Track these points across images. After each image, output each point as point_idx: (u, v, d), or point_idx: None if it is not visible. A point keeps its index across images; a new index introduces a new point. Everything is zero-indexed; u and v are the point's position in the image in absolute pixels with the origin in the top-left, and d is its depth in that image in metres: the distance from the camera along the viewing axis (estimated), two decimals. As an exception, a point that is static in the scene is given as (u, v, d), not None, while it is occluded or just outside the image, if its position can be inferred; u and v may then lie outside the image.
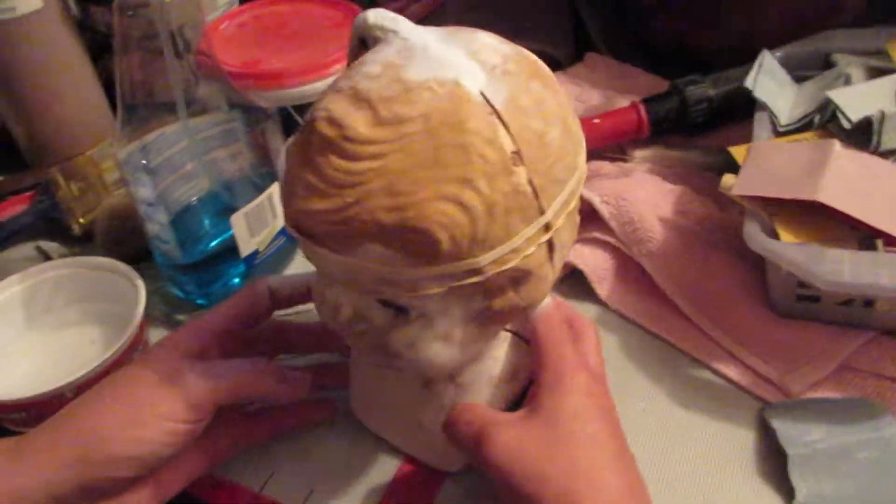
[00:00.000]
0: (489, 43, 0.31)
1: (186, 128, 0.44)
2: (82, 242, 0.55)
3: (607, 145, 0.56)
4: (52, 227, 0.56)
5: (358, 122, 0.28)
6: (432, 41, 0.30)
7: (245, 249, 0.47)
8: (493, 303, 0.31)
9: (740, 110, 0.52)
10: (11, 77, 0.57)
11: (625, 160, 0.56)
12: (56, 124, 0.60)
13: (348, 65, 0.32)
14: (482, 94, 0.29)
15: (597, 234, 0.48)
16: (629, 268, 0.47)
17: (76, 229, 0.55)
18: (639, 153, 0.55)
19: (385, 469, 0.39)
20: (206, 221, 0.48)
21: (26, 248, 0.55)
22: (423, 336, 0.32)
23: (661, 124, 0.55)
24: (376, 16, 0.31)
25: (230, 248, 0.47)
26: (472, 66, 0.30)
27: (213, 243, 0.47)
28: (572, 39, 0.68)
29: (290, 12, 0.57)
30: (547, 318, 0.34)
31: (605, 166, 0.55)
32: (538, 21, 0.66)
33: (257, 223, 0.47)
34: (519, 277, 0.31)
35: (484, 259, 0.29)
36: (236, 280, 0.48)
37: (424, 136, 0.28)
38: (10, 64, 0.56)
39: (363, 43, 0.32)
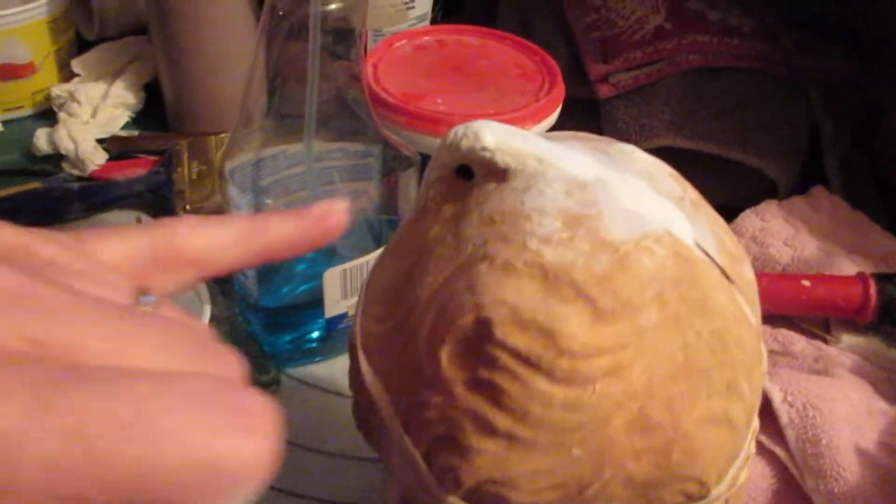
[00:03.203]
0: (645, 158, 0.22)
1: (311, 151, 0.37)
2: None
3: (810, 315, 0.43)
4: (160, 203, 0.51)
5: (571, 323, 0.18)
6: (595, 166, 0.20)
7: (332, 310, 0.39)
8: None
9: None
10: (176, 29, 0.53)
11: (825, 340, 0.43)
12: (207, 94, 0.56)
13: (426, 208, 0.22)
14: (698, 245, 0.20)
15: (763, 438, 0.36)
16: (794, 500, 0.35)
17: (180, 214, 0.49)
18: (848, 338, 0.43)
19: None
20: (301, 264, 0.40)
21: (126, 216, 0.51)
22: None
23: (893, 314, 0.42)
24: (497, 137, 0.20)
25: (316, 301, 0.39)
26: (664, 202, 0.20)
27: (300, 289, 0.40)
28: (798, 162, 0.55)
29: (478, 47, 0.49)
30: None
31: (797, 341, 0.43)
32: (764, 130, 0.54)
33: (355, 283, 0.39)
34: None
35: (721, 487, 0.21)
36: (313, 337, 0.41)
37: (667, 328, 0.19)
38: (179, 14, 0.52)
39: (464, 173, 0.22)
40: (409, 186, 0.41)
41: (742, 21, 0.54)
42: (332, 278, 0.38)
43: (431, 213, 0.22)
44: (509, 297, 0.19)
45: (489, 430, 0.19)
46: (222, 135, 0.52)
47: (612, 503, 0.19)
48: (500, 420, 0.18)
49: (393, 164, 0.40)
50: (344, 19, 0.36)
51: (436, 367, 0.19)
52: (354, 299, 0.40)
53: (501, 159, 0.20)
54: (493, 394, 0.19)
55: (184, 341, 0.15)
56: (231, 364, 0.17)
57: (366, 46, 0.55)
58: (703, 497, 0.20)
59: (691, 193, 0.21)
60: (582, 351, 0.18)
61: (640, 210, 0.19)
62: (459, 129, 0.21)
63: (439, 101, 0.43)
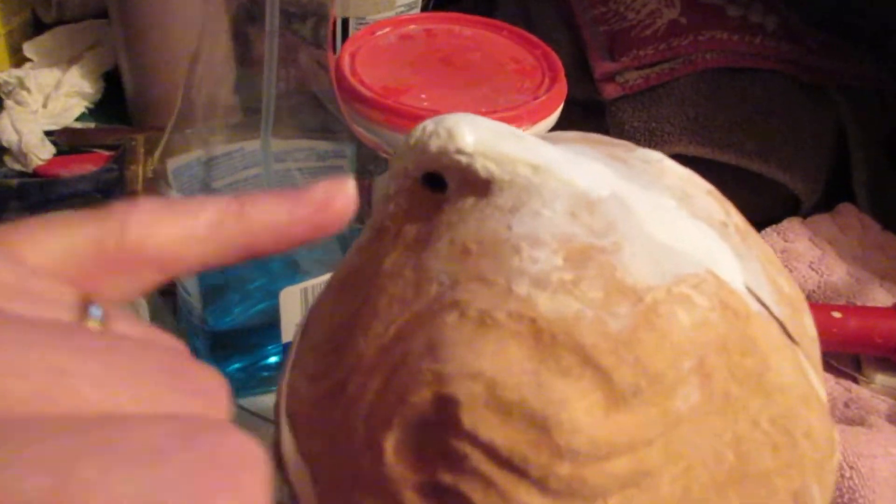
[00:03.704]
0: (676, 169, 0.17)
1: (268, 149, 0.32)
2: (133, 235, 0.44)
3: (839, 351, 0.38)
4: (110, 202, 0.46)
5: (575, 409, 0.13)
6: (612, 178, 0.15)
7: (290, 334, 0.34)
8: None
9: None
10: (139, 14, 0.47)
11: (856, 379, 0.38)
12: (172, 86, 0.50)
13: (383, 228, 0.17)
14: (750, 291, 0.14)
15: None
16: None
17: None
18: (883, 378, 0.37)
19: None
20: (256, 280, 0.35)
21: (74, 219, 0.46)
22: None
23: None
24: (478, 136, 0.15)
25: (273, 323, 0.34)
26: (703, 230, 0.15)
27: (254, 309, 0.35)
28: (824, 178, 0.50)
29: (471, 38, 0.43)
30: None
31: (825, 382, 0.37)
32: (788, 139, 0.49)
33: (318, 304, 0.34)
34: None
35: None
36: (269, 364, 0.35)
37: (711, 415, 0.13)
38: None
39: (433, 183, 0.16)
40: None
41: (765, 19, 0.49)
42: (291, 297, 0.32)
43: (390, 235, 0.17)
44: (486, 366, 0.13)
45: None
46: (195, 140, 0.47)
47: None
48: None
49: (367, 166, 0.35)
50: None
51: (377, 461, 0.14)
52: (319, 321, 0.35)
53: (483, 166, 0.15)
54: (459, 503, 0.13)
55: (143, 370, 0.12)
56: (210, 394, 0.12)
57: (336, 33, 0.49)
58: None
59: (736, 218, 0.16)
60: (590, 451, 0.13)
61: (673, 241, 0.14)
62: (428, 125, 0.16)
63: (423, 96, 0.38)
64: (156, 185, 0.31)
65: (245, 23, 0.31)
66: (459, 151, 0.15)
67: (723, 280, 0.14)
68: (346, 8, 0.49)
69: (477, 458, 0.13)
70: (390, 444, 0.14)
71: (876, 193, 0.49)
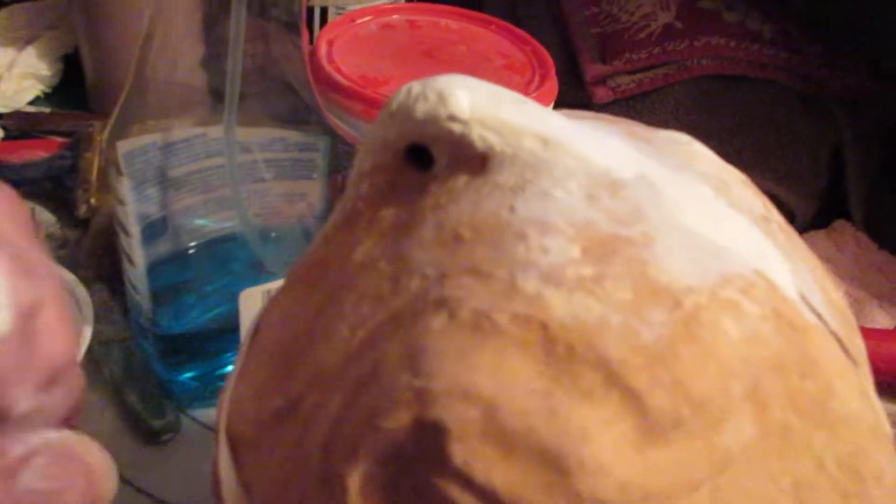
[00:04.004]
0: (708, 154, 0.15)
1: (233, 136, 0.29)
2: (85, 228, 0.41)
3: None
4: (60, 194, 0.42)
5: (600, 444, 0.10)
6: (637, 157, 0.13)
7: (250, 340, 0.31)
8: None
9: None
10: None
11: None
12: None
13: (355, 211, 0.14)
14: (804, 299, 0.12)
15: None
16: None
17: (82, 210, 0.41)
18: (884, 407, 0.35)
19: None
20: (214, 282, 0.32)
21: (20, 210, 0.42)
22: None
23: (944, 383, 0.34)
24: (476, 100, 0.12)
25: (231, 328, 0.30)
26: (746, 224, 0.12)
27: (211, 313, 0.31)
28: (820, 192, 0.48)
29: (457, 31, 0.41)
30: None
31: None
32: (784, 151, 0.47)
33: (283, 308, 0.31)
34: None
35: None
36: (225, 373, 0.32)
37: (768, 454, 0.11)
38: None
39: (418, 159, 0.14)
40: (361, 190, 0.33)
41: (762, 26, 0.47)
42: (252, 300, 0.29)
43: (363, 220, 0.14)
44: (482, 383, 0.10)
45: None
46: (150, 122, 0.44)
47: None
48: None
49: (341, 161, 0.32)
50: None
51: (337, 502, 0.11)
52: (283, 328, 0.32)
53: (480, 137, 0.12)
54: None
55: None
56: None
57: (313, 20, 0.47)
58: None
59: (776, 214, 0.14)
60: (618, 499, 0.09)
61: (714, 235, 0.11)
62: (414, 86, 0.13)
63: (405, 87, 0.35)
64: (103, 172, 0.28)
65: (211, -5, 0.28)
66: (452, 118, 0.12)
67: (774, 284, 0.11)
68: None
69: (475, 465, 0.10)
70: (354, 481, 0.11)
71: (872, 211, 0.47)
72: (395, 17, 0.41)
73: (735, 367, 0.11)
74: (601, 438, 0.10)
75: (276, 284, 0.30)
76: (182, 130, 0.30)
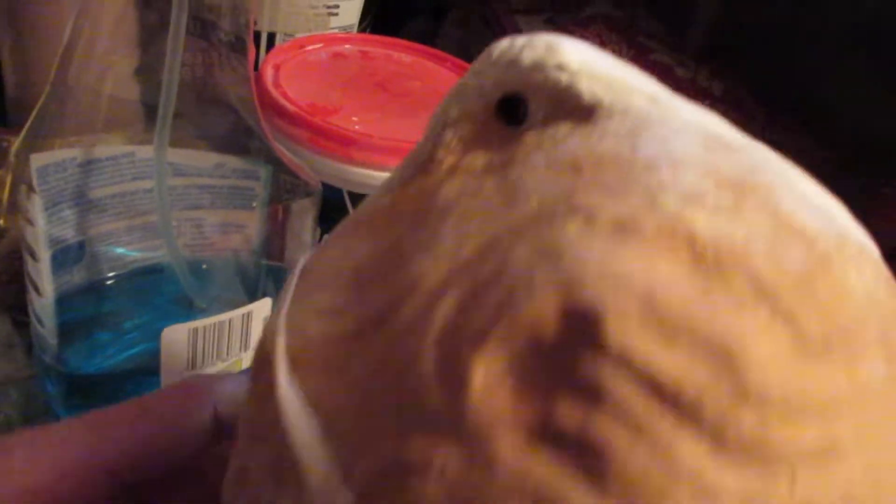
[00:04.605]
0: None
1: (163, 157, 0.26)
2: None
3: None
4: (-35, 213, 0.38)
5: (762, 343, 0.09)
6: (729, 130, 0.13)
7: (171, 383, 0.27)
8: None
9: None
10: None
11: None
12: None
13: (432, 161, 0.13)
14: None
15: None
16: None
17: None
18: None
19: None
20: (134, 317, 0.29)
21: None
22: None
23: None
24: (584, 55, 0.12)
25: (151, 369, 0.27)
26: (834, 201, 0.13)
27: (128, 353, 0.28)
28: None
29: (411, 65, 0.39)
30: None
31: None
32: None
33: (210, 349, 0.28)
34: None
35: None
36: (141, 420, 0.29)
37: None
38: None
39: (509, 113, 0.13)
40: (304, 223, 0.30)
41: (711, 83, 0.47)
42: (176, 338, 0.26)
43: (442, 168, 0.13)
44: (636, 273, 0.09)
45: None
46: (72, 137, 0.41)
47: None
48: None
49: (284, 191, 0.30)
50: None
51: (456, 393, 0.10)
52: (210, 369, 0.29)
53: (588, 89, 0.12)
54: (590, 459, 0.09)
55: None
56: None
57: (259, 45, 0.44)
58: None
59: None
60: (781, 403, 0.09)
61: (823, 203, 0.11)
62: (519, 38, 0.12)
63: (355, 118, 0.33)
64: (14, 188, 0.25)
65: (147, 4, 0.25)
66: (560, 67, 0.12)
67: (876, 255, 0.11)
68: (275, 23, 0.45)
69: (625, 389, 0.09)
70: (480, 370, 0.10)
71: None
72: (346, 46, 0.39)
73: (868, 312, 0.10)
74: (764, 342, 0.09)
75: (205, 322, 0.27)
76: (107, 147, 0.27)
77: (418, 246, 0.11)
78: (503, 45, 0.13)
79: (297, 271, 0.14)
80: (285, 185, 0.30)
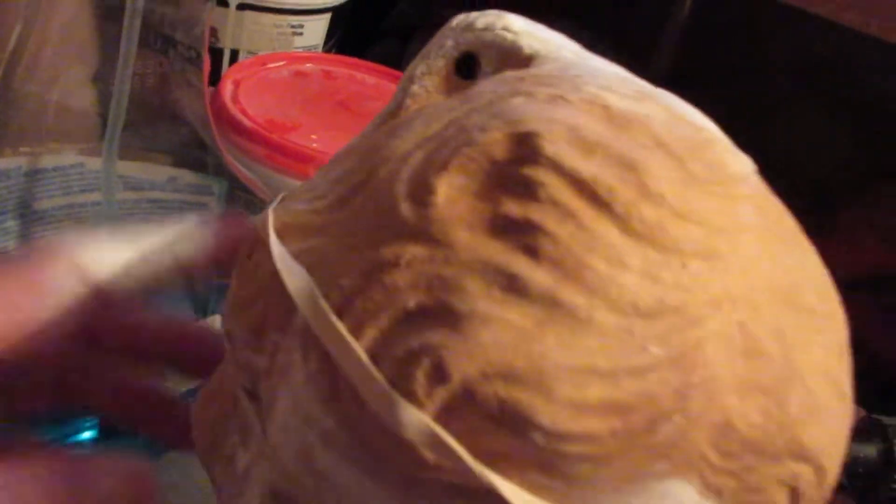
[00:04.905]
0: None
1: (111, 169, 0.26)
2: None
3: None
4: None
5: (656, 166, 0.13)
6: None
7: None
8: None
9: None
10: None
11: None
12: (13, 94, 0.43)
13: (401, 107, 0.16)
14: None
15: None
16: None
17: None
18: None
19: None
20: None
21: None
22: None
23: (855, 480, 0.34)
24: (524, 22, 0.16)
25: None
26: None
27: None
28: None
29: (373, 87, 0.39)
30: None
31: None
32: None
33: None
34: None
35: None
36: (83, 439, 0.28)
37: (769, 240, 0.14)
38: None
39: (465, 69, 0.16)
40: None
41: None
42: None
43: (409, 111, 0.16)
44: (561, 118, 0.13)
45: (512, 289, 0.12)
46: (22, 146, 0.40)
47: (690, 471, 0.12)
48: (536, 275, 0.12)
49: (238, 208, 0.30)
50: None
51: (423, 207, 0.12)
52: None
53: (528, 44, 0.16)
54: (528, 237, 0.12)
55: None
56: None
57: (217, 60, 0.44)
58: (811, 496, 0.13)
59: None
60: (674, 203, 0.12)
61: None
62: (472, 13, 0.16)
63: (314, 136, 0.33)
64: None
65: (103, 12, 0.25)
66: (506, 28, 0.16)
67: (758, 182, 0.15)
68: (238, 40, 0.44)
69: (555, 186, 0.12)
70: (444, 186, 0.13)
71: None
72: (308, 65, 0.39)
73: (744, 180, 0.13)
74: (659, 168, 0.12)
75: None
76: (55, 157, 0.26)
77: (391, 136, 0.14)
78: (461, 16, 0.16)
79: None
80: (240, 202, 0.30)
